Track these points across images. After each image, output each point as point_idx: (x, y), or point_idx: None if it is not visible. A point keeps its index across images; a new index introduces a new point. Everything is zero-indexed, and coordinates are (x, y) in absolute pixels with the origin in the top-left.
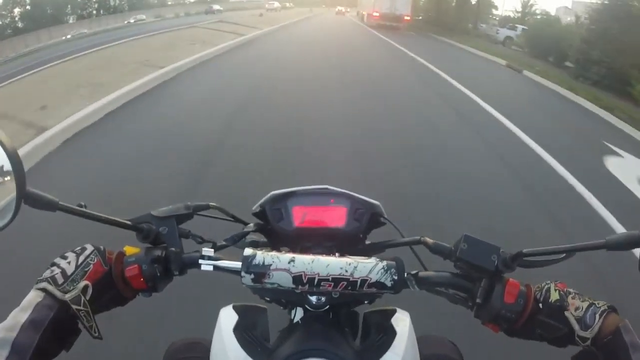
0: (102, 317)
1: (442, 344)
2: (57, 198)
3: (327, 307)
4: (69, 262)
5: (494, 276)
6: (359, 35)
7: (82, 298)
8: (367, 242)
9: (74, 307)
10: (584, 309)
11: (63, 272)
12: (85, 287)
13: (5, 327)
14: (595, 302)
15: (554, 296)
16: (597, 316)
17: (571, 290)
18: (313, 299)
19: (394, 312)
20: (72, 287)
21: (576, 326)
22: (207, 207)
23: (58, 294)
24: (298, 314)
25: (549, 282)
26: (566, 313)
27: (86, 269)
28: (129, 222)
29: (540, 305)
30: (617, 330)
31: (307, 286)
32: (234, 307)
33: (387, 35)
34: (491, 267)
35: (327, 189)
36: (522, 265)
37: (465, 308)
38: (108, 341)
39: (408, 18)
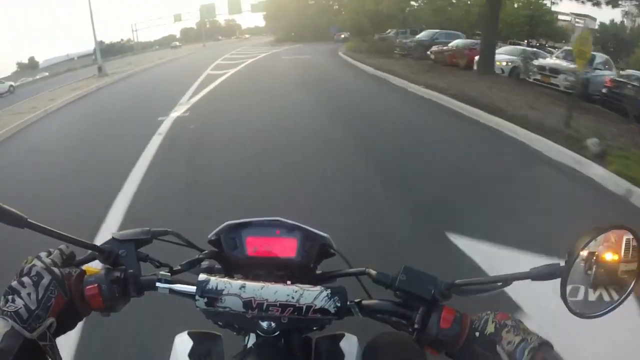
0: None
1: (403, 340)
2: (25, 215)
3: (278, 332)
4: (29, 294)
5: (432, 304)
6: None
7: (48, 334)
8: (318, 271)
9: (41, 343)
10: (515, 344)
11: (26, 306)
12: (51, 324)
13: None
14: (528, 337)
15: (490, 329)
16: (526, 352)
17: (509, 322)
18: (264, 324)
19: (342, 336)
20: (37, 324)
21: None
22: (166, 233)
23: (26, 333)
24: (251, 340)
25: (489, 312)
26: (498, 347)
27: (49, 304)
28: (91, 243)
29: (477, 334)
30: None
31: (256, 311)
32: (189, 334)
33: None
34: (428, 296)
35: (279, 221)
36: (457, 293)
37: (407, 334)
38: None
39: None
